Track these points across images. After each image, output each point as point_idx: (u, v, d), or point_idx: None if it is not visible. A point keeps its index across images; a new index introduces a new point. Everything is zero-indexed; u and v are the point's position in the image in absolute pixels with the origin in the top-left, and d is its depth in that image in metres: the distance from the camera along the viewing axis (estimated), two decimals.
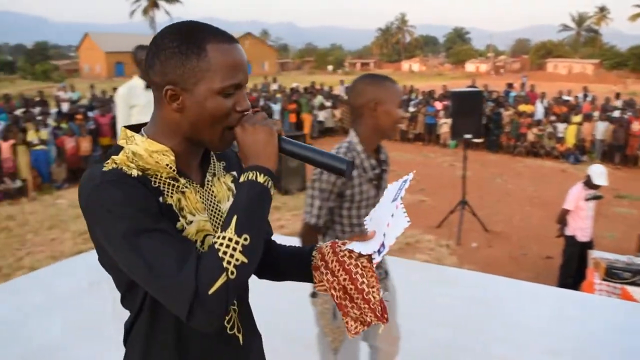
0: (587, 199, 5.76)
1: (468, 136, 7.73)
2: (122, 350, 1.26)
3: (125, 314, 1.23)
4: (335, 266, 1.26)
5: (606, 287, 4.87)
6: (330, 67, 65.40)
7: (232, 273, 0.98)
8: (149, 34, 61.37)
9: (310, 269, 1.32)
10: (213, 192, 1.24)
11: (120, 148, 1.13)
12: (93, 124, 12.19)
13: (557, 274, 6.02)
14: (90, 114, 13.07)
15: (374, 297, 1.23)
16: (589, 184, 5.76)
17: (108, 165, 1.06)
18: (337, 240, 1.31)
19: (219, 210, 1.23)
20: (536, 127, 14.15)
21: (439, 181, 10.87)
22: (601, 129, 13.32)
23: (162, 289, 0.99)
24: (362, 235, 1.28)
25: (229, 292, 0.98)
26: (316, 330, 2.25)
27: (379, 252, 1.21)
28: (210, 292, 0.96)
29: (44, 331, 3.61)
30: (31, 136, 10.77)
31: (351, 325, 1.26)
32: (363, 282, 1.23)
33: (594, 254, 5.48)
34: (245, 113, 1.14)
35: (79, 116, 12.67)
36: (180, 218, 1.12)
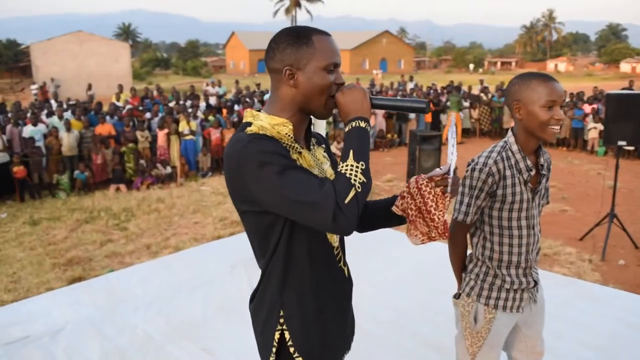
0: None
1: (622, 143, 7.08)
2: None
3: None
4: (415, 191, 1.60)
5: None
6: (471, 66, 63.24)
7: (358, 187, 1.32)
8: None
9: (395, 205, 1.67)
10: (316, 155, 1.61)
11: (248, 124, 1.49)
12: (236, 117, 12.95)
13: None
14: (235, 107, 13.88)
15: (438, 218, 1.55)
16: None
17: (249, 131, 1.45)
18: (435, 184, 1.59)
19: (323, 169, 1.60)
20: None
21: (583, 190, 10.09)
22: None
23: (310, 205, 1.30)
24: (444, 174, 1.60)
25: (358, 202, 1.32)
26: (455, 332, 2.21)
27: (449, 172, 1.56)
28: (346, 201, 1.30)
29: (188, 307, 3.90)
30: (182, 127, 11.69)
31: (417, 235, 1.61)
32: (432, 205, 1.55)
33: None
34: (343, 85, 1.51)
35: (224, 109, 13.53)
36: None
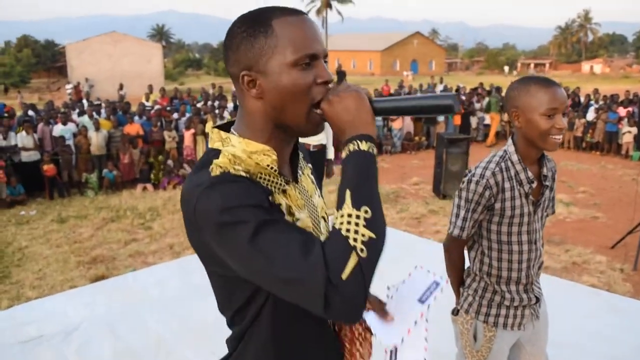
0: None
1: None
2: None
3: None
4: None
5: None
6: (506, 68, 62.18)
7: (361, 251, 0.89)
8: (321, 33, 63.93)
9: None
10: (304, 186, 1.20)
11: (217, 151, 1.08)
12: None
13: None
14: None
15: None
16: None
17: (215, 171, 1.00)
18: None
19: (313, 205, 1.20)
20: None
21: (616, 196, 9.78)
22: None
23: (290, 282, 0.90)
24: (381, 306, 1.20)
25: (364, 274, 0.89)
26: (455, 350, 2.11)
27: (392, 352, 1.13)
28: (344, 276, 0.88)
29: (202, 310, 3.88)
30: (209, 127, 11.73)
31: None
32: (358, 350, 1.23)
33: None
34: (330, 86, 1.06)
35: None
36: (287, 216, 1.09)
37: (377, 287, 1.06)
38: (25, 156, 10.00)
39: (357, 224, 0.91)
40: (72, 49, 34.86)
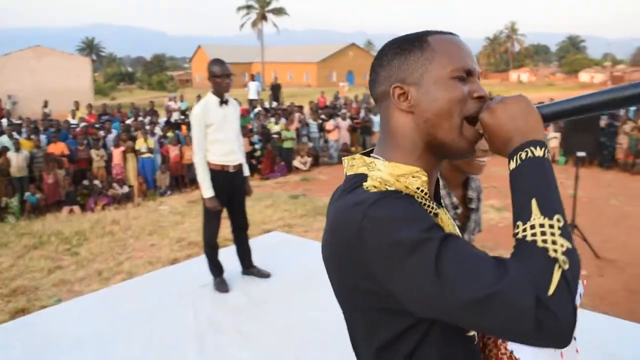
0: None
1: (582, 154, 7.09)
2: None
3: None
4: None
5: None
6: None
7: (564, 262, 0.81)
8: (256, 45, 63.71)
9: None
10: (448, 214, 1.13)
11: (363, 176, 1.00)
12: None
13: None
14: None
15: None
16: None
17: (372, 189, 0.94)
18: None
19: (456, 232, 1.12)
20: None
21: None
22: None
23: (489, 304, 0.79)
24: None
25: (571, 288, 0.81)
26: None
27: None
28: (550, 292, 0.79)
29: (126, 347, 3.63)
30: (140, 144, 11.34)
31: None
32: None
33: None
34: (485, 101, 1.01)
35: (184, 126, 13.21)
36: None
37: None
38: None
39: (552, 234, 0.83)
40: None
